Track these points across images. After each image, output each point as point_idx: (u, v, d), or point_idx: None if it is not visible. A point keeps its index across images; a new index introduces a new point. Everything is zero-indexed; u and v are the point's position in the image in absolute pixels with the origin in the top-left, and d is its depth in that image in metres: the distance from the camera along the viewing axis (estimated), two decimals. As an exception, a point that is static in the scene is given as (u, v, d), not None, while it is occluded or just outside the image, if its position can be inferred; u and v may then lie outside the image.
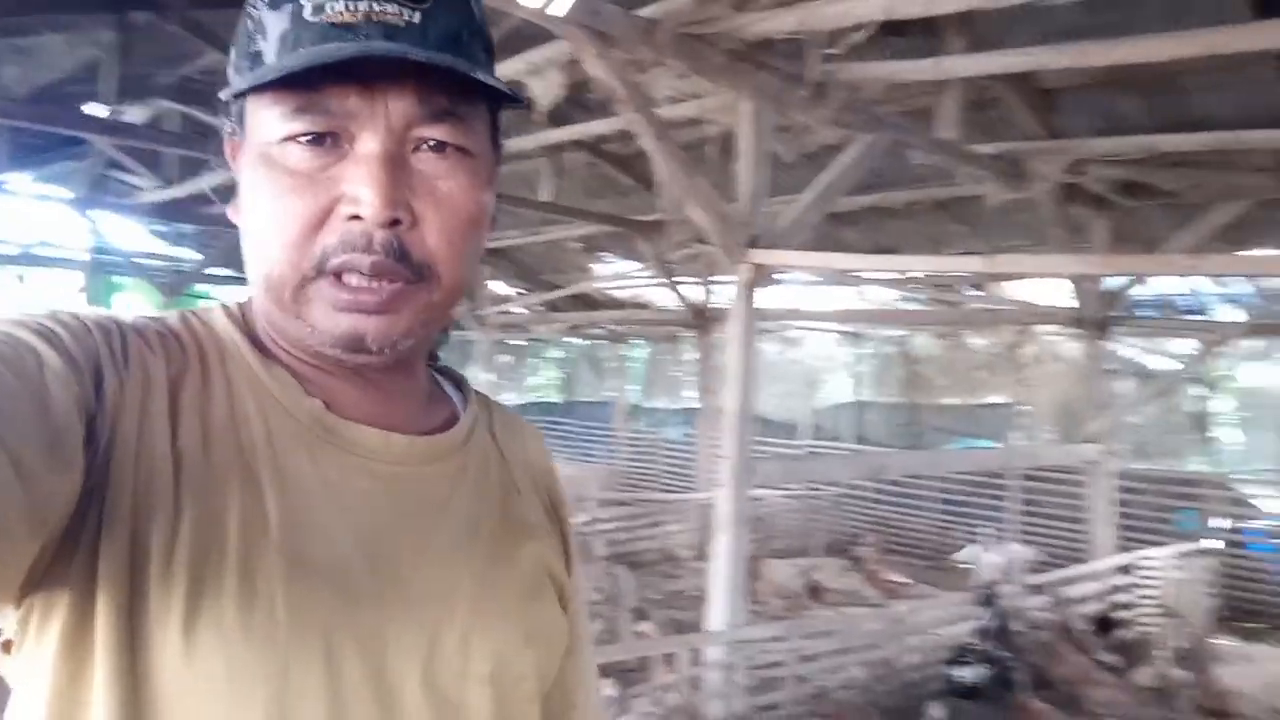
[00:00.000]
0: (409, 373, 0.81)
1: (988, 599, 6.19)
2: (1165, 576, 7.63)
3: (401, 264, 0.70)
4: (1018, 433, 11.38)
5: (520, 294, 12.74)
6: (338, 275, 0.69)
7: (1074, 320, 7.63)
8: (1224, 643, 6.81)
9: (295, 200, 0.69)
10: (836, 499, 10.93)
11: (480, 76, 0.69)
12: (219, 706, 0.65)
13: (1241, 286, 8.72)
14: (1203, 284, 9.03)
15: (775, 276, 5.44)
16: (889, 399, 14.03)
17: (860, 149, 5.09)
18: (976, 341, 11.73)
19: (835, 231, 8.52)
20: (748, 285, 4.62)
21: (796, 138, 4.99)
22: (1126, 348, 9.46)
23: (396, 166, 0.69)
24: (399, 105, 0.69)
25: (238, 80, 0.72)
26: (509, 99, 0.74)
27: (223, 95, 0.73)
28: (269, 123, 0.70)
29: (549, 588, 0.85)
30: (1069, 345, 10.06)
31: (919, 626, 6.01)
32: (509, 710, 0.77)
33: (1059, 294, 8.82)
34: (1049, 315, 8.41)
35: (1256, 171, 6.49)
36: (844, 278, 10.00)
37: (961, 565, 8.47)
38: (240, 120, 0.74)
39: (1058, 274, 7.42)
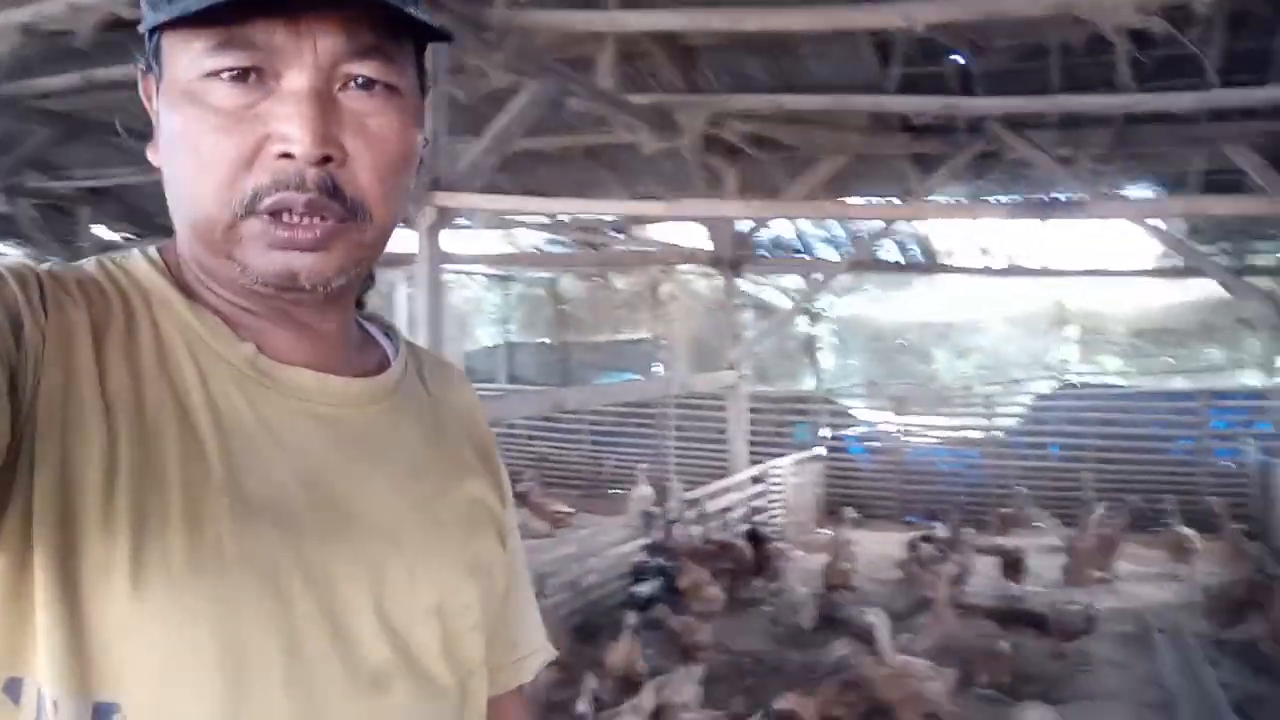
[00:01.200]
0: (340, 315, 0.81)
1: (649, 520, 6.79)
2: (787, 481, 8.84)
3: (335, 201, 0.69)
4: (658, 365, 12.37)
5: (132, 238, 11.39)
6: (271, 214, 0.68)
7: (711, 260, 8.45)
8: (833, 531, 8.01)
9: (222, 139, 0.67)
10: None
11: (412, 12, 0.70)
12: (173, 647, 0.64)
13: (837, 229, 10.11)
14: (807, 227, 10.35)
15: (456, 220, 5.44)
16: (538, 339, 14.52)
17: (531, 94, 5.21)
18: (619, 282, 12.48)
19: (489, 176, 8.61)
20: (432, 228, 4.60)
21: (471, 81, 4.99)
22: (750, 284, 10.61)
23: (325, 103, 0.68)
24: (326, 41, 0.68)
25: (154, 13, 0.68)
26: (437, 35, 0.75)
27: (140, 29, 0.70)
28: (189, 58, 0.67)
29: (488, 523, 0.87)
30: (702, 283, 11.09)
31: (597, 549, 6.44)
32: (455, 641, 0.79)
33: (696, 237, 9.68)
34: (689, 256, 9.19)
35: (855, 130, 7.62)
36: (496, 221, 10.13)
37: (622, 493, 9.11)
38: (157, 56, 0.71)
39: (707, 216, 8.12)
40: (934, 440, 10.93)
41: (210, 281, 0.74)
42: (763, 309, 11.18)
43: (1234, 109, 6.46)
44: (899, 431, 10.88)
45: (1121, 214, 6.91)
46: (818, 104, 6.67)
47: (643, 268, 11.24)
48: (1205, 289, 9.82)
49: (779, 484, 8.71)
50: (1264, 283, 8.32)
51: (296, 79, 0.68)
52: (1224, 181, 7.70)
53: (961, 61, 6.67)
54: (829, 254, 10.53)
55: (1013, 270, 9.50)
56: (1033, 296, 10.86)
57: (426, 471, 0.82)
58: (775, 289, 11.59)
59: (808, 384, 11.54)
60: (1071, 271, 9.35)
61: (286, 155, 0.67)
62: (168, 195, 0.73)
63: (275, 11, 0.66)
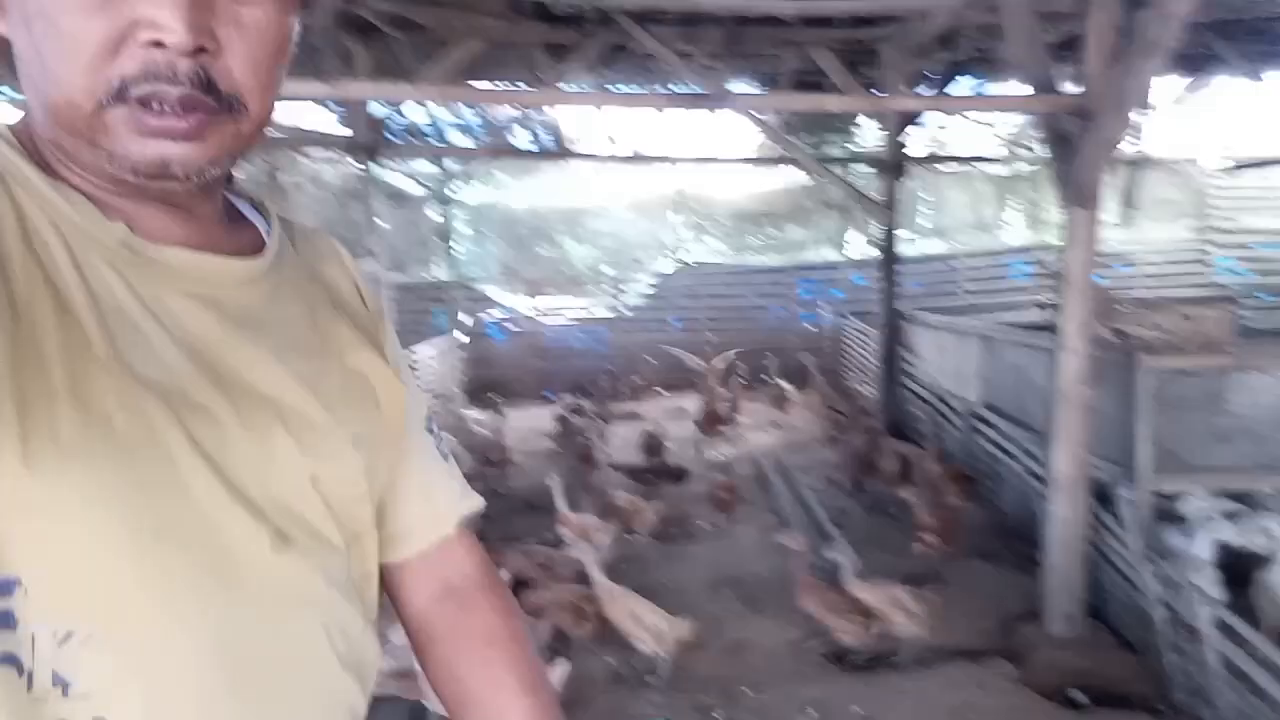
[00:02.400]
0: (211, 195, 0.79)
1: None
2: (429, 368, 8.94)
3: (209, 96, 0.68)
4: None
5: None
6: (133, 102, 0.66)
7: (347, 146, 8.08)
8: (484, 414, 8.32)
9: (85, 20, 0.64)
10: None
11: None
12: (70, 521, 0.63)
13: (471, 116, 10.08)
14: (441, 113, 10.19)
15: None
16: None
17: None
18: (240, 168, 11.42)
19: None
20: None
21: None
22: (383, 171, 10.29)
23: None
24: None
25: None
26: None
27: None
28: None
29: (370, 396, 0.87)
30: (329, 170, 10.54)
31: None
32: (342, 511, 0.80)
33: (324, 121, 9.15)
34: (322, 140, 8.69)
35: (491, 16, 7.60)
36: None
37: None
38: None
39: (336, 97, 7.68)
40: (568, 321, 11.57)
41: (72, 163, 0.71)
42: (396, 197, 10.92)
43: (821, 17, 7.34)
44: (535, 315, 11.36)
45: (747, 107, 7.55)
46: (459, -15, 6.55)
47: (260, 152, 10.40)
48: (793, 176, 11.24)
49: (420, 371, 8.79)
50: (838, 171, 9.67)
51: None
52: (810, 82, 8.79)
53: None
54: (462, 141, 10.49)
55: (636, 158, 10.15)
56: (652, 183, 11.72)
57: (308, 347, 0.82)
58: (407, 176, 11.33)
59: (443, 271, 11.57)
60: (686, 159, 10.20)
61: (157, 43, 0.65)
62: (19, 72, 0.68)
63: None
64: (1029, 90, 4.40)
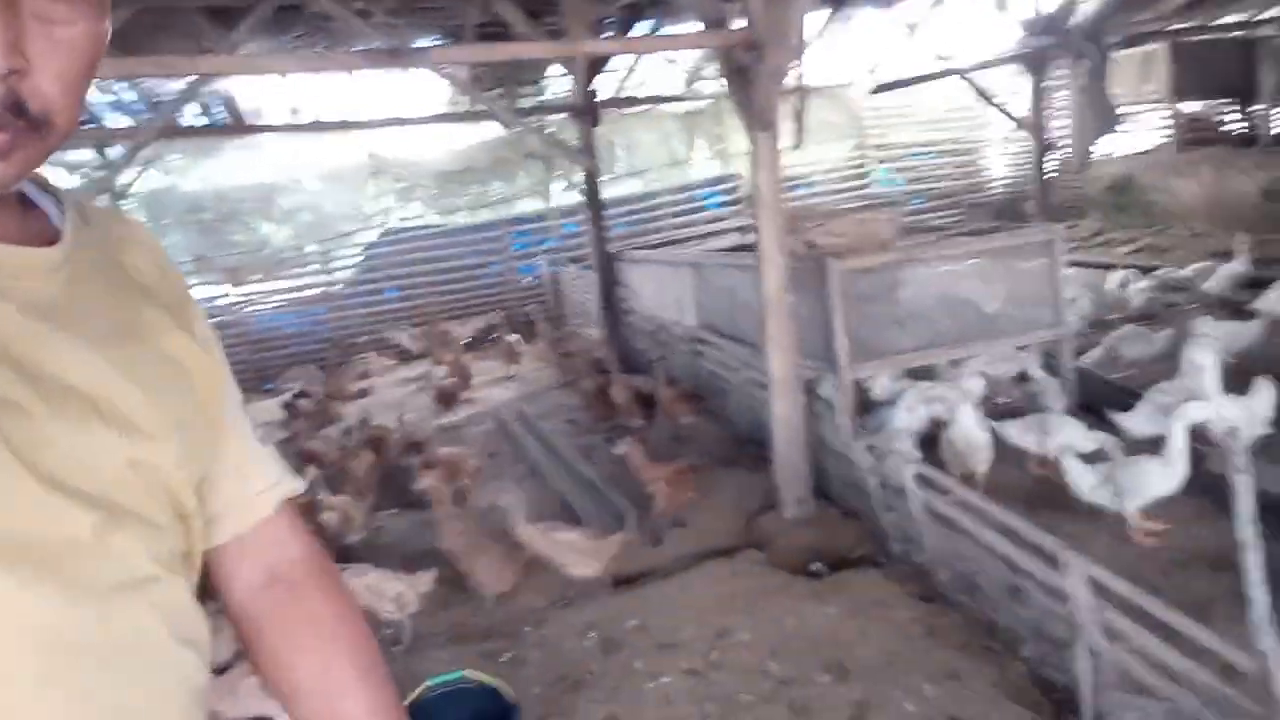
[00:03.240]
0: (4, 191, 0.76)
1: None
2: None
3: (19, 118, 0.66)
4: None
5: None
6: None
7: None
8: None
9: None
10: None
11: None
12: None
13: (129, 95, 9.15)
14: (91, 94, 9.15)
15: None
16: None
17: None
18: None
19: None
20: None
21: None
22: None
23: (10, 8, 0.64)
24: None
25: None
26: None
27: None
28: None
29: (186, 378, 0.86)
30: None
31: None
32: (164, 494, 0.80)
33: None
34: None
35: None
36: None
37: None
38: None
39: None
40: (277, 306, 10.95)
41: None
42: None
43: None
44: (239, 304, 10.65)
45: (441, 60, 7.35)
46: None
47: None
48: (492, 130, 11.22)
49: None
50: (533, 122, 9.80)
51: None
52: (494, 34, 8.80)
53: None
54: (121, 123, 9.49)
55: (321, 125, 9.67)
56: (345, 151, 11.23)
57: (116, 332, 0.80)
58: (59, 168, 10.09)
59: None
60: (379, 122, 9.87)
61: None
62: None
63: None
64: (702, 28, 4.73)
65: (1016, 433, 4.47)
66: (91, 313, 0.79)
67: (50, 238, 0.79)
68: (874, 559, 4.16)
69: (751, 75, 4.35)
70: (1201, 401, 4.09)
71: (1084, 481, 3.96)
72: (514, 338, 8.82)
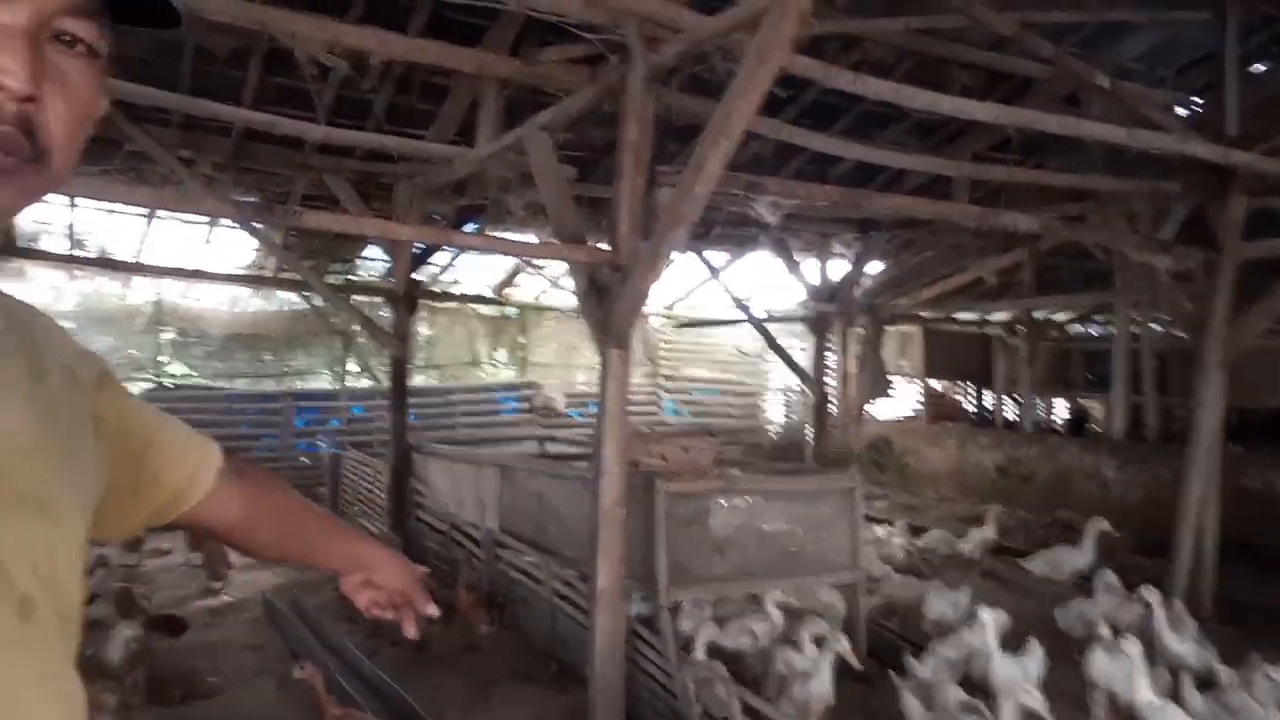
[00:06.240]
0: None
1: None
2: None
3: (28, 141, 0.70)
4: None
5: None
6: None
7: None
8: None
9: None
10: None
11: None
12: None
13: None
14: None
15: None
16: None
17: None
18: None
19: None
20: None
21: None
22: None
23: (39, 47, 0.70)
24: None
25: None
26: (159, 19, 0.78)
27: None
28: None
29: (99, 456, 0.91)
30: None
31: None
32: (68, 582, 0.80)
33: None
34: None
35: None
36: None
37: None
38: None
39: None
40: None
41: None
42: None
43: (339, 145, 7.35)
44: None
45: (293, 222, 7.06)
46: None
47: None
48: (288, 298, 10.83)
49: None
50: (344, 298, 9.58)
51: (14, 15, 0.68)
52: (319, 206, 8.69)
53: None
54: None
55: (112, 263, 8.98)
56: (125, 293, 10.39)
57: (43, 408, 0.82)
58: None
59: None
60: (175, 271, 9.32)
61: None
62: None
63: None
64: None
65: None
66: (10, 386, 0.81)
67: None
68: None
69: (612, 294, 4.52)
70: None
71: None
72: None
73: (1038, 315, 11.96)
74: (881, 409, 12.69)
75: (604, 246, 4.70)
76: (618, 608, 4.45)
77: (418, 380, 11.85)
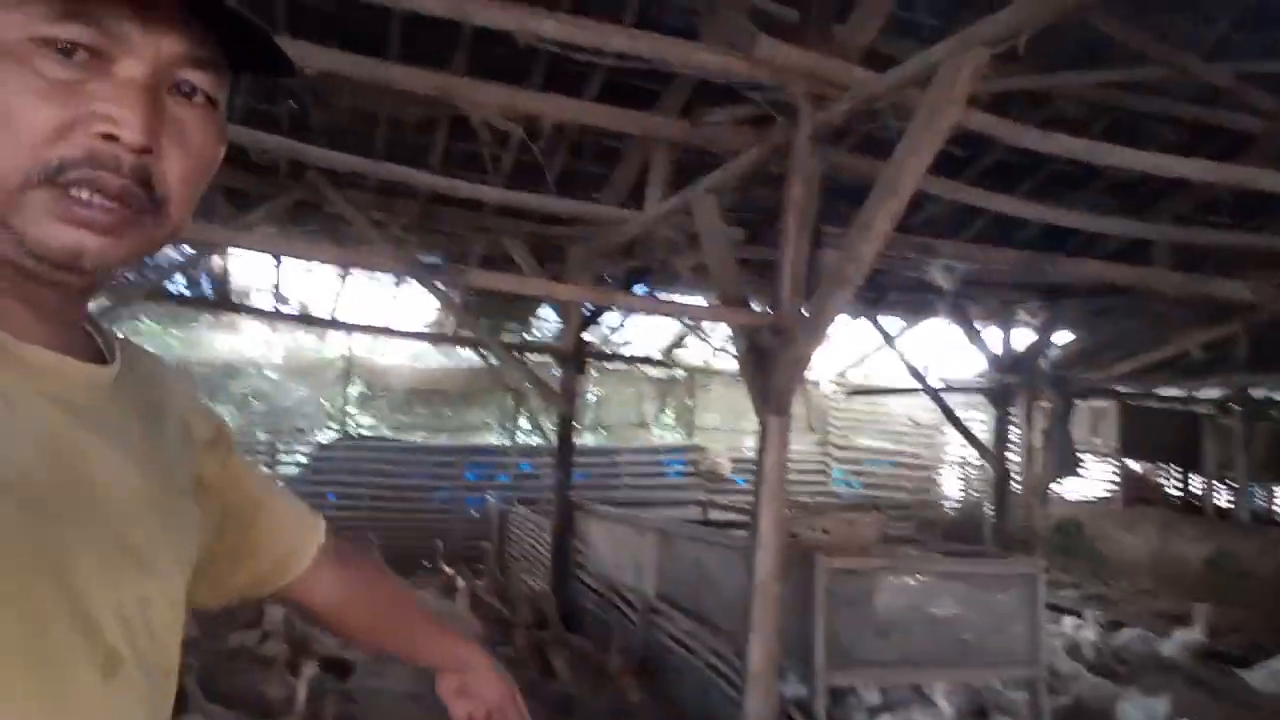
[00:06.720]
0: (83, 302, 0.81)
1: None
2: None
3: (144, 191, 0.71)
4: None
5: None
6: (66, 188, 0.68)
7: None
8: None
9: (40, 104, 0.67)
10: None
11: (276, 37, 0.75)
12: None
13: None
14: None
15: None
16: None
17: None
18: None
19: None
20: None
21: None
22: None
23: (158, 99, 0.70)
24: (172, 42, 0.70)
25: None
26: (271, 67, 0.79)
27: None
28: (15, 16, 0.66)
29: (196, 514, 0.89)
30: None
31: None
32: (163, 638, 0.79)
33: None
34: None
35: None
36: None
37: None
38: None
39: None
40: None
41: None
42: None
43: (515, 208, 7.62)
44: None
45: (467, 282, 7.37)
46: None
47: None
48: (466, 357, 11.27)
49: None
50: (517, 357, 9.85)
51: (134, 68, 0.69)
52: (496, 267, 9.03)
53: (294, 106, 6.75)
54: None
55: (309, 319, 9.64)
56: (319, 347, 11.13)
57: (151, 458, 0.82)
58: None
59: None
60: (363, 327, 9.88)
61: (109, 137, 0.68)
62: None
63: None
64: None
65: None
66: (130, 436, 0.81)
67: (99, 359, 0.82)
68: None
69: (773, 358, 4.38)
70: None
71: None
72: (451, 570, 8.33)
73: (1255, 393, 10.82)
74: (1070, 489, 11.77)
75: (765, 309, 4.58)
76: (770, 688, 4.21)
77: (586, 439, 12.02)
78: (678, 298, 8.79)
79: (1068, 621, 7.56)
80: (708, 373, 12.36)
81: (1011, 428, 10.50)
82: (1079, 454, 9.78)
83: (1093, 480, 12.21)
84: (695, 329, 11.02)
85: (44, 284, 0.72)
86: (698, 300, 8.74)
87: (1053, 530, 11.55)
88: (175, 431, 0.90)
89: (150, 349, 0.97)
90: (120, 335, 0.90)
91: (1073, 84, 5.61)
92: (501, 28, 3.51)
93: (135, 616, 0.74)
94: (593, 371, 11.70)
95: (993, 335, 10.21)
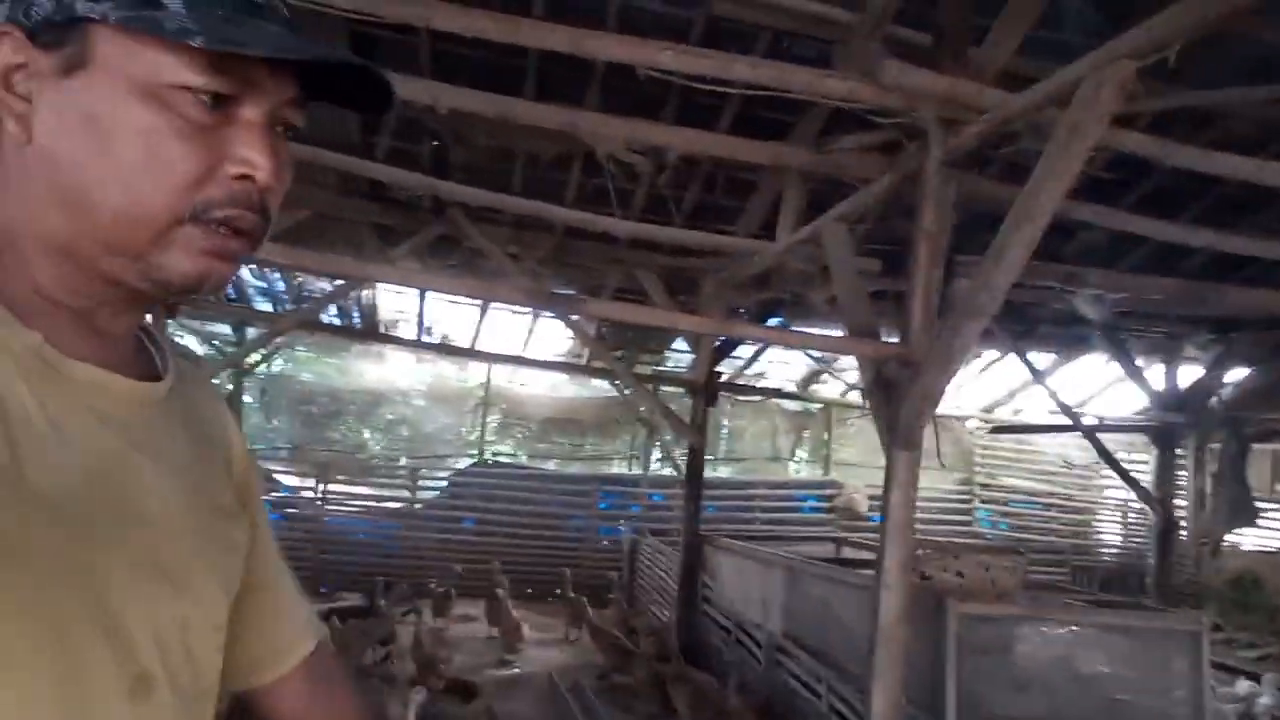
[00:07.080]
0: (137, 320, 0.82)
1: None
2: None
3: (265, 222, 0.76)
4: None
5: None
6: (208, 224, 0.72)
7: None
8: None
9: (188, 148, 0.71)
10: None
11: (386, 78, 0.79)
12: None
13: (279, 282, 9.65)
14: (246, 276, 9.71)
15: None
16: None
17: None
18: None
19: None
20: None
21: None
22: (174, 327, 9.54)
23: (276, 137, 0.76)
24: (283, 85, 0.75)
25: (131, 10, 0.69)
26: (370, 105, 0.83)
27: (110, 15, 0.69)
28: (162, 63, 0.69)
29: (236, 536, 0.90)
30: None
31: None
32: (202, 660, 0.80)
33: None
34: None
35: (322, 186, 7.45)
36: None
37: None
38: (70, 28, 0.69)
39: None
40: (354, 510, 10.83)
41: (55, 277, 0.73)
42: (182, 357, 10.09)
43: (647, 240, 7.67)
44: (319, 499, 10.58)
45: (598, 313, 7.49)
46: (299, 154, 6.38)
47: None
48: (600, 387, 11.39)
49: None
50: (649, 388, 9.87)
51: (256, 111, 0.74)
52: (629, 299, 9.11)
53: (436, 144, 7.03)
54: (265, 307, 9.98)
55: (450, 349, 9.98)
56: (462, 375, 11.51)
57: (196, 479, 0.83)
58: (196, 337, 10.58)
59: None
60: (501, 357, 10.14)
61: (245, 178, 0.73)
62: (56, 180, 0.70)
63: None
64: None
65: None
66: (175, 456, 0.82)
67: (150, 375, 0.83)
68: None
69: (901, 392, 4.21)
70: None
71: None
72: (580, 599, 8.36)
73: None
74: (1247, 539, 10.80)
75: (893, 340, 4.41)
76: (895, 739, 4.00)
77: (720, 472, 11.90)
78: (809, 329, 8.61)
79: (1242, 685, 6.92)
80: (846, 407, 12.04)
81: (1179, 472, 9.75)
82: (1256, 503, 8.95)
83: (1273, 531, 11.17)
84: (824, 362, 10.78)
85: (124, 301, 0.77)
86: (834, 333, 8.55)
87: (1227, 584, 10.63)
88: (222, 453, 0.91)
89: (197, 356, 1.01)
90: (176, 345, 0.92)
91: (1238, 100, 5.20)
92: (618, 60, 3.55)
93: (172, 638, 0.75)
94: (727, 404, 11.60)
95: (1155, 372, 9.53)
